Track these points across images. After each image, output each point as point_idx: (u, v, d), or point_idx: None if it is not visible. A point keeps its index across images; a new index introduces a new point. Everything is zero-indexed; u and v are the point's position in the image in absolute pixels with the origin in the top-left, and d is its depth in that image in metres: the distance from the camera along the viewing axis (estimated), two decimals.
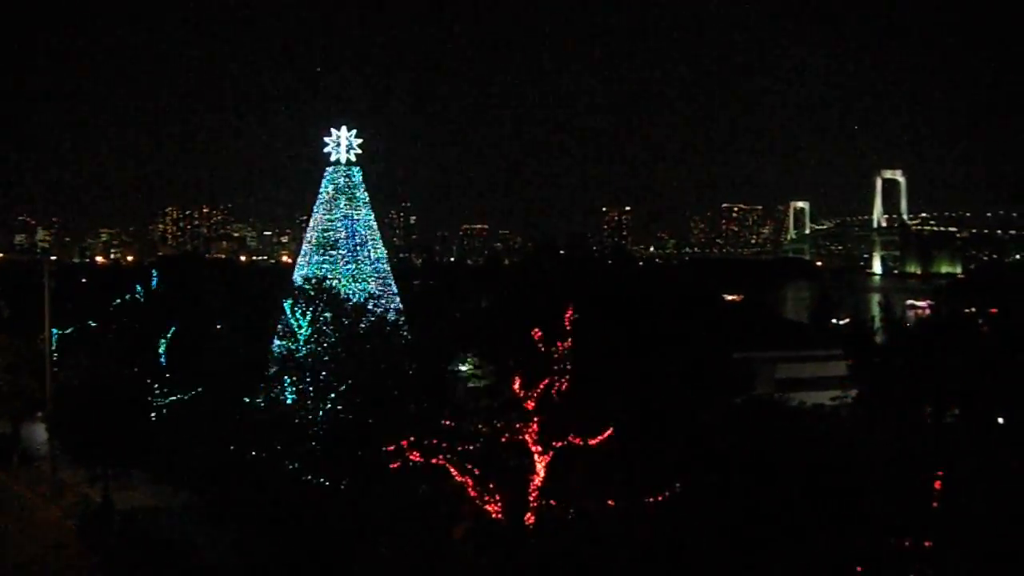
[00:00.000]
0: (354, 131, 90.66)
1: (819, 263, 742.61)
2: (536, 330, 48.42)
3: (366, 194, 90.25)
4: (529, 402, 47.78)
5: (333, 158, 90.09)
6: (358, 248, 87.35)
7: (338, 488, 53.69)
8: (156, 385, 76.47)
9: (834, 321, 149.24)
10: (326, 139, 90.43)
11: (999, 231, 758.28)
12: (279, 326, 72.37)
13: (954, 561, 38.38)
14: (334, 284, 77.77)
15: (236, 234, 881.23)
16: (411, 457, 50.01)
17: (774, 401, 59.30)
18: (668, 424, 47.53)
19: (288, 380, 63.88)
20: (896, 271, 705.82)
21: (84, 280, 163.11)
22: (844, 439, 47.51)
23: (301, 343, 67.11)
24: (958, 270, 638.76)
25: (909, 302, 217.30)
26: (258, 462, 55.91)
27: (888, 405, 52.01)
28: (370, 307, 71.22)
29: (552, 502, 47.37)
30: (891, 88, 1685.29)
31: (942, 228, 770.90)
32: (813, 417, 54.01)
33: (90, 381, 73.28)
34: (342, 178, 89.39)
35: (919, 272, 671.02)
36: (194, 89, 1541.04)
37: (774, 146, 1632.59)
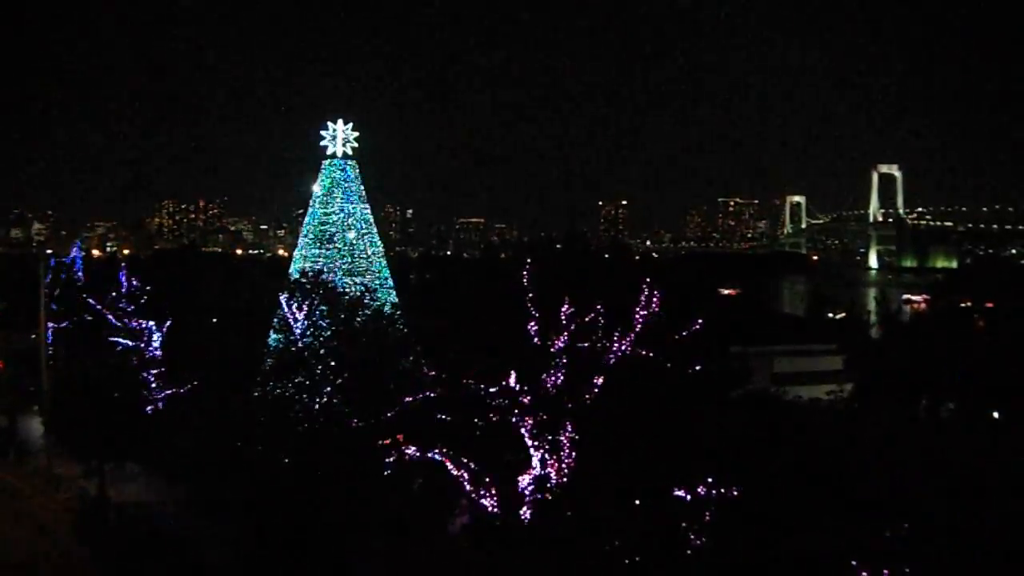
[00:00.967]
0: (350, 125, 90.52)
1: (815, 257, 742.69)
2: (533, 324, 48.48)
3: (362, 188, 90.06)
4: (525, 396, 47.83)
5: (329, 152, 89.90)
6: (354, 242, 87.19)
7: (334, 481, 53.64)
8: (152, 379, 76.40)
9: (830, 315, 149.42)
10: (322, 133, 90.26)
11: (995, 226, 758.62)
12: (275, 320, 72.28)
13: (948, 552, 38.42)
14: (330, 278, 77.60)
15: (232, 227, 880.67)
16: (407, 451, 50.06)
17: (771, 395, 59.39)
18: (665, 418, 47.53)
19: (284, 373, 63.79)
20: (892, 265, 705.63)
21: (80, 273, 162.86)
22: (840, 433, 47.54)
23: (297, 337, 67.03)
24: (954, 264, 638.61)
25: (905, 296, 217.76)
26: (254, 456, 55.85)
27: (884, 399, 52.15)
28: (366, 301, 70.97)
29: (547, 495, 47.41)
30: (888, 83, 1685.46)
31: (938, 223, 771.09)
32: (809, 411, 54.09)
33: (86, 375, 73.24)
34: (338, 172, 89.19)
35: (915, 266, 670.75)
36: (191, 82, 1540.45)
37: (771, 141, 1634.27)
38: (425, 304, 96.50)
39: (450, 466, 48.93)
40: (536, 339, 49.70)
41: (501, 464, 48.89)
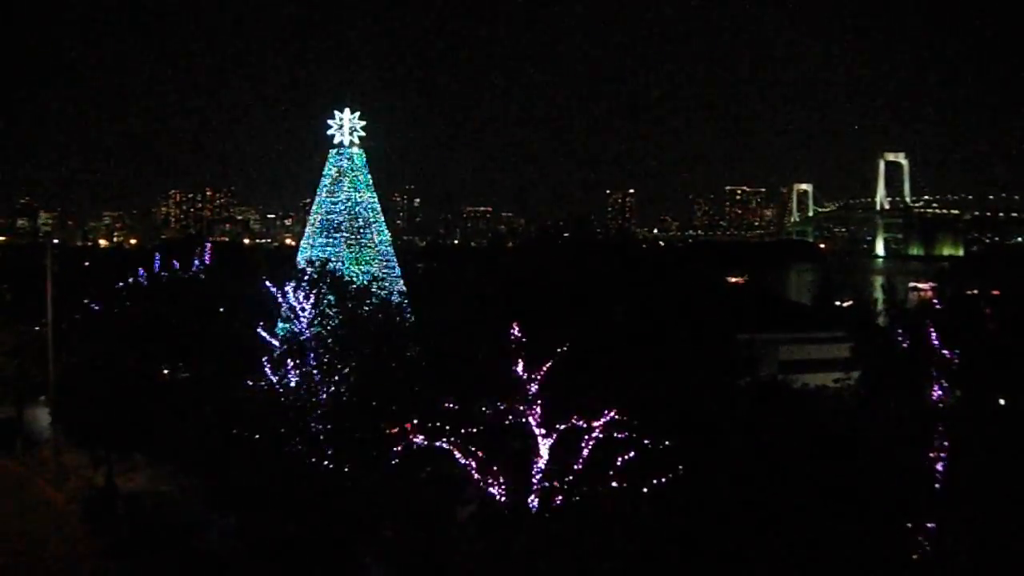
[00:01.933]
0: (357, 114, 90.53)
1: (822, 245, 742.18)
2: (540, 313, 48.44)
3: (369, 176, 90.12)
4: (532, 384, 47.78)
5: (336, 140, 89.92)
6: (361, 230, 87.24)
7: (342, 471, 53.67)
8: (159, 368, 76.47)
9: (837, 303, 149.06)
10: (329, 122, 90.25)
11: (1001, 214, 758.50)
12: (283, 309, 72.32)
13: (956, 542, 38.41)
14: (337, 267, 77.63)
15: (240, 217, 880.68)
16: (415, 439, 50.04)
17: (777, 383, 59.28)
18: (671, 407, 47.51)
19: (291, 363, 63.78)
20: (899, 253, 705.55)
21: (87, 263, 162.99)
22: (847, 421, 47.47)
23: (304, 326, 67.00)
24: (960, 252, 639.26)
25: (912, 284, 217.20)
26: (261, 445, 55.88)
27: (891, 387, 51.96)
28: (373, 289, 70.96)
29: (556, 484, 47.39)
30: (895, 71, 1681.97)
31: (945, 211, 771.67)
32: (816, 399, 53.99)
33: (93, 365, 73.29)
34: (345, 161, 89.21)
35: (922, 254, 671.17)
36: (198, 72, 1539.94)
37: (778, 129, 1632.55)
38: (432, 293, 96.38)
39: (458, 455, 48.90)
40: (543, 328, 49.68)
41: (509, 453, 48.85)
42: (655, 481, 44.93)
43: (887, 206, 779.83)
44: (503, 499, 48.05)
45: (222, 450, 56.44)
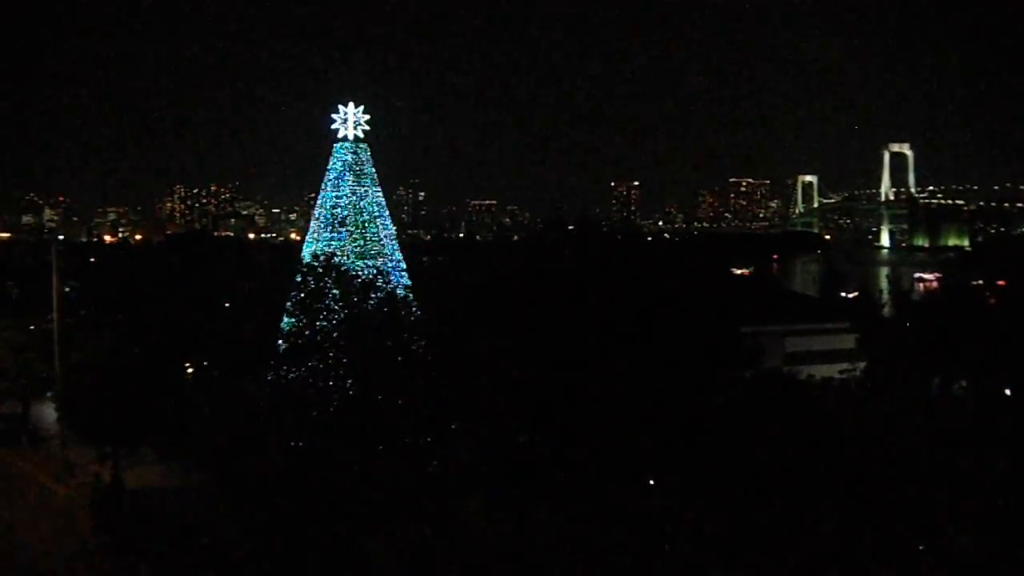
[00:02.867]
0: (361, 107, 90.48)
1: (828, 237, 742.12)
2: (547, 305, 48.51)
3: (374, 170, 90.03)
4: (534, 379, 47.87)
5: (341, 135, 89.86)
6: (366, 225, 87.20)
7: (348, 465, 53.68)
8: (166, 363, 76.50)
9: (843, 294, 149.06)
10: (333, 116, 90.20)
11: (1006, 204, 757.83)
12: (288, 303, 72.30)
13: (961, 531, 38.42)
14: (342, 261, 77.59)
15: (244, 212, 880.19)
16: (421, 433, 50.13)
17: (783, 374, 59.30)
18: (677, 398, 47.54)
19: (297, 357, 63.81)
20: (904, 244, 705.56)
21: (92, 259, 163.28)
22: (853, 412, 47.50)
23: (310, 320, 67.01)
24: (965, 243, 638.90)
25: (917, 275, 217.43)
26: (267, 440, 55.89)
27: (896, 377, 52.05)
28: (379, 284, 70.93)
29: (563, 476, 47.44)
30: (899, 62, 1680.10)
31: (950, 201, 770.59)
32: (822, 390, 54.04)
33: (99, 360, 73.35)
34: (350, 155, 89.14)
35: (927, 245, 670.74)
36: (202, 66, 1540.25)
37: (782, 120, 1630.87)
38: (438, 287, 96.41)
39: (463, 447, 48.98)
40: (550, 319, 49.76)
41: (513, 445, 48.91)
42: (661, 474, 44.99)
43: (892, 197, 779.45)
44: (508, 491, 48.11)
45: (229, 445, 56.44)
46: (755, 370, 59.83)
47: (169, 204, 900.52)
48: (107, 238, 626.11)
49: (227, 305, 79.04)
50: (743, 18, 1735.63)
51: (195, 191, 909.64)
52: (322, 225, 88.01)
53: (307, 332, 65.35)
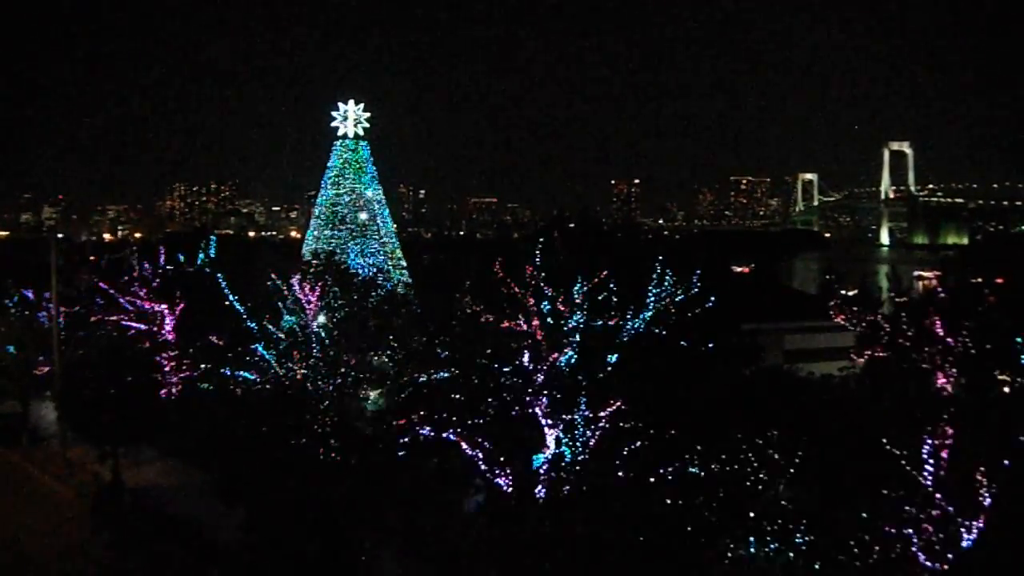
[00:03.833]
0: (361, 105, 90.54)
1: (827, 234, 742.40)
2: (545, 304, 48.49)
3: (374, 168, 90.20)
4: (538, 375, 47.85)
5: (341, 132, 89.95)
6: (367, 222, 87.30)
7: (348, 463, 53.70)
8: (166, 361, 76.55)
9: (843, 292, 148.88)
10: (333, 113, 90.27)
11: (1005, 202, 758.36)
12: (288, 301, 72.41)
13: (960, 528, 38.43)
14: (343, 258, 77.67)
15: (244, 210, 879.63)
16: (421, 431, 50.09)
17: (783, 372, 59.31)
18: (678, 396, 47.53)
19: (298, 355, 63.86)
20: (904, 242, 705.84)
21: (92, 257, 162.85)
22: (852, 409, 47.46)
23: (310, 318, 67.08)
24: (965, 241, 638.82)
25: (917, 272, 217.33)
26: (267, 438, 55.90)
27: (895, 374, 52.05)
28: (379, 281, 71.03)
29: (562, 474, 47.45)
30: (899, 60, 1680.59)
31: (949, 199, 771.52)
32: (822, 388, 53.99)
33: (99, 358, 73.30)
34: (350, 152, 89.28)
35: (926, 243, 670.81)
36: (202, 64, 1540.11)
37: (782, 118, 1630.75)
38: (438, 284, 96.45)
39: (464, 445, 48.97)
40: (549, 318, 49.75)
41: (515, 443, 48.90)
42: (661, 471, 44.95)
43: (892, 195, 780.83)
44: (510, 489, 48.12)
45: (229, 443, 56.44)
46: (755, 367, 59.89)
47: (169, 202, 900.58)
48: (107, 236, 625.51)
49: (227, 303, 78.92)
50: (745, 16, 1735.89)
51: (195, 189, 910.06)
52: (322, 223, 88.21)
53: (307, 330, 65.43)
